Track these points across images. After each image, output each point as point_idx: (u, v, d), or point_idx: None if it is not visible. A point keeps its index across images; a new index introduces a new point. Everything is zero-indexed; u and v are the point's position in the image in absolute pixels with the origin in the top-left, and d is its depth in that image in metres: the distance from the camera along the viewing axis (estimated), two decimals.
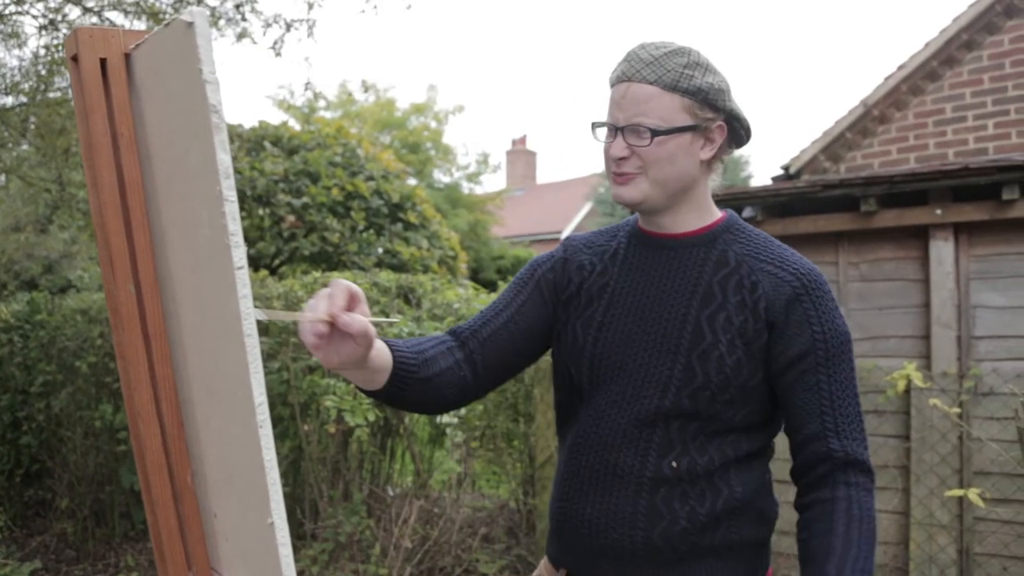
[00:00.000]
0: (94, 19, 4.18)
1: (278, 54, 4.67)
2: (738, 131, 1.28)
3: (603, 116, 1.27)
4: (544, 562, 1.39)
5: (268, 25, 4.54)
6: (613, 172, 1.24)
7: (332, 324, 0.98)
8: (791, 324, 1.22)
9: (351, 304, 1.00)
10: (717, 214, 1.32)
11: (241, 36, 4.50)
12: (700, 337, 1.22)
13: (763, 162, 48.69)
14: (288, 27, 4.59)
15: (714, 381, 1.20)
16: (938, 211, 3.18)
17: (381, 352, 1.13)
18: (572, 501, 1.28)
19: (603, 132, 1.26)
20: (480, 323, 1.31)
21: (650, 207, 1.25)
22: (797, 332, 1.21)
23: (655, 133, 1.19)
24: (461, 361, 1.27)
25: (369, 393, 1.18)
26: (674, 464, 1.22)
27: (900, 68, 5.75)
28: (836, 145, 6.09)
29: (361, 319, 0.99)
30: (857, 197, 3.31)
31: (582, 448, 1.28)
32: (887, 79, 5.82)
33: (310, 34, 4.71)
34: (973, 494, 2.46)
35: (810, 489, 1.26)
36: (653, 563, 1.23)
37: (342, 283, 0.99)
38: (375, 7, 5.98)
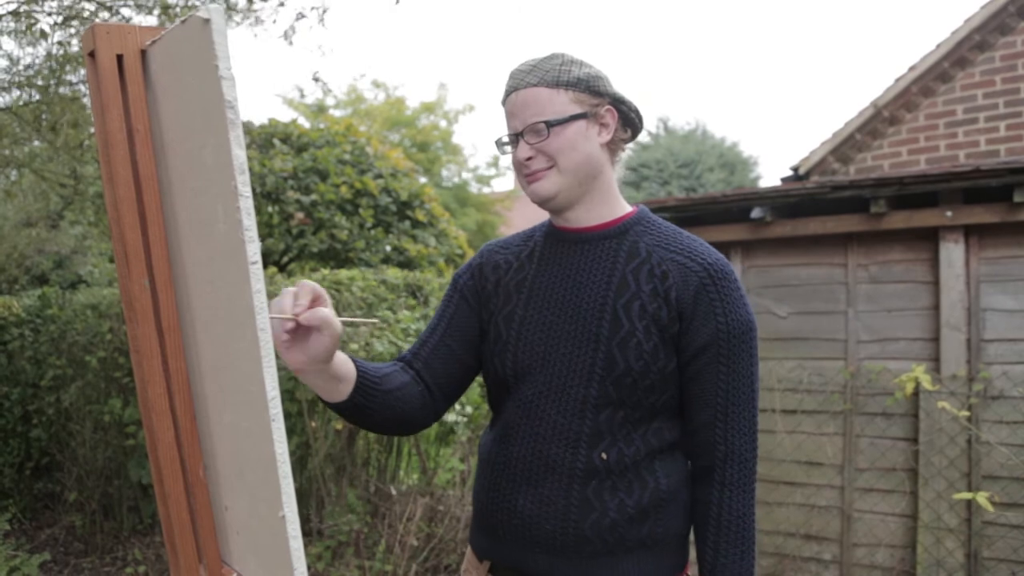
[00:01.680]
0: (105, 14, 4.20)
1: (290, 42, 4.68)
2: (627, 114, 1.35)
3: (504, 135, 1.34)
4: (469, 554, 1.41)
5: (280, 4, 4.54)
6: (524, 175, 1.30)
7: (297, 323, 1.03)
8: (698, 314, 1.26)
9: (314, 303, 1.05)
10: (627, 208, 1.38)
11: (255, 22, 4.51)
12: (618, 326, 1.26)
13: (772, 163, 48.53)
14: (300, 16, 4.59)
15: (635, 368, 1.24)
16: (948, 213, 3.16)
17: (344, 362, 1.18)
18: (502, 492, 1.31)
19: (508, 148, 1.33)
20: (419, 345, 1.38)
21: (565, 199, 1.31)
22: (703, 323, 1.26)
23: (550, 125, 1.26)
24: (415, 379, 1.33)
25: (334, 406, 1.22)
26: (604, 455, 1.26)
27: (911, 69, 5.73)
28: (846, 146, 6.06)
29: (323, 311, 1.04)
30: (867, 199, 3.30)
31: (511, 439, 1.31)
32: (898, 80, 5.79)
33: (321, 21, 4.71)
34: (982, 498, 2.45)
35: (696, 482, 1.33)
36: (582, 555, 1.26)
37: (307, 284, 1.05)
38: (397, 1, 5.96)
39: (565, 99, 1.27)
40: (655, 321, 1.25)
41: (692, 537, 1.34)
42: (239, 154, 0.82)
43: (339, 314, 3.97)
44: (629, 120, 1.36)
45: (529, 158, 1.28)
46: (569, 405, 1.27)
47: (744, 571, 1.26)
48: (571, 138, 1.27)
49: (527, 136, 1.28)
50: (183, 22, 0.87)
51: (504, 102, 1.32)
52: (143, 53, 0.96)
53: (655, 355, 1.25)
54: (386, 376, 1.26)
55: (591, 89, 1.28)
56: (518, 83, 1.29)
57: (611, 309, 1.27)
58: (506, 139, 1.32)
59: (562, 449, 1.26)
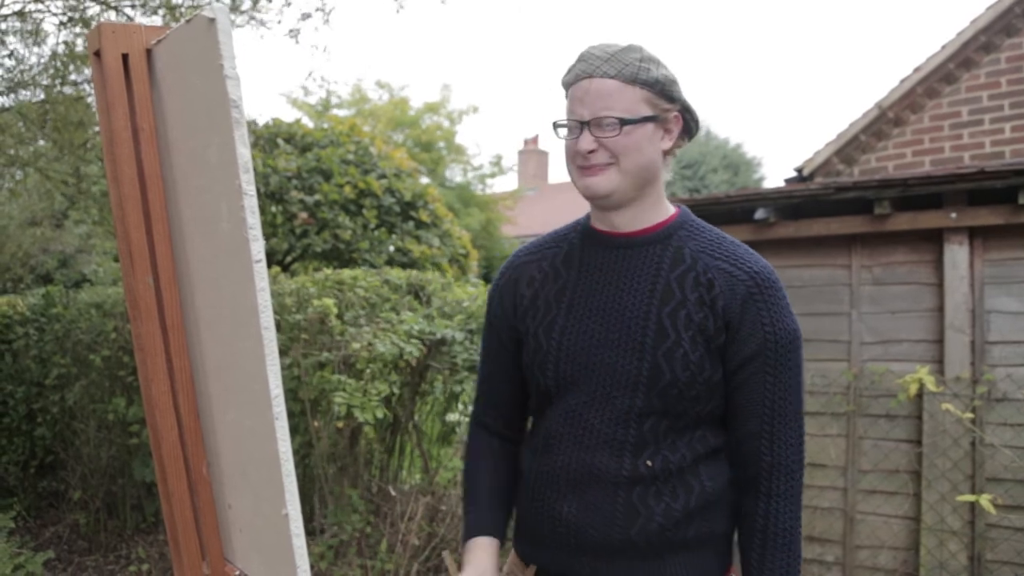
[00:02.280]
0: (111, 14, 4.21)
1: (296, 41, 4.69)
2: (689, 123, 1.32)
3: (562, 117, 1.29)
4: (513, 558, 1.42)
5: (287, 3, 4.55)
6: (580, 166, 1.26)
7: None
8: (745, 324, 1.24)
9: None
10: (671, 210, 1.35)
11: (258, 24, 4.52)
12: (664, 335, 1.24)
13: (776, 164, 48.47)
14: (305, 16, 4.60)
15: (681, 379, 1.23)
16: (953, 215, 3.16)
17: (495, 552, 1.34)
18: (546, 501, 1.30)
19: (564, 133, 1.27)
20: (485, 401, 1.45)
21: (618, 199, 1.27)
22: (750, 332, 1.24)
23: (623, 123, 1.21)
24: (502, 439, 1.43)
25: None
26: (648, 463, 1.24)
27: (916, 70, 5.72)
28: (850, 148, 6.05)
29: None
30: (871, 200, 3.29)
31: (554, 448, 1.30)
32: (902, 81, 5.78)
33: (327, 21, 4.72)
34: (985, 500, 2.45)
35: (742, 492, 1.31)
36: (629, 558, 1.25)
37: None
38: (401, 6, 5.99)
39: (639, 98, 1.22)
40: (701, 331, 1.23)
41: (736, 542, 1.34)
42: (243, 153, 0.82)
43: (342, 313, 3.98)
44: (689, 128, 1.34)
45: (592, 151, 1.23)
46: (613, 414, 1.25)
47: None
48: (639, 140, 1.23)
49: (593, 128, 1.22)
50: (188, 22, 0.87)
51: (570, 84, 1.27)
52: (148, 52, 0.96)
53: (701, 365, 1.23)
54: (505, 498, 1.39)
55: (665, 93, 1.25)
56: (593, 70, 1.23)
57: (656, 318, 1.25)
58: (564, 123, 1.26)
59: (607, 457, 1.25)
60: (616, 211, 1.29)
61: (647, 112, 1.23)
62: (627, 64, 1.22)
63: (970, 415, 2.90)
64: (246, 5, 4.61)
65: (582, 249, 1.34)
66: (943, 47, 5.59)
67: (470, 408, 4.17)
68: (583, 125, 1.23)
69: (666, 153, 1.29)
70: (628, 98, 1.22)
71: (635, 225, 1.30)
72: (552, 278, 1.34)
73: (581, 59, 1.25)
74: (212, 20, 0.82)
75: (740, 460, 1.29)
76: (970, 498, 2.54)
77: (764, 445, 1.25)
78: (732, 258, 1.28)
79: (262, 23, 4.58)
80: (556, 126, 1.28)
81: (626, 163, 1.23)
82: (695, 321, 1.23)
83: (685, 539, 1.26)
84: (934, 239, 3.26)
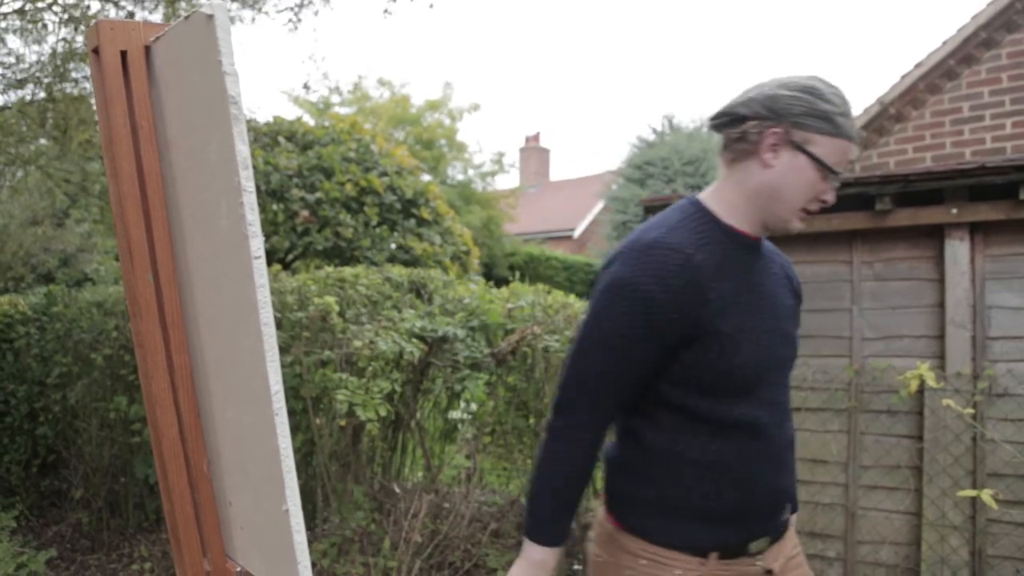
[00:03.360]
0: (112, 9, 4.21)
1: (295, 27, 4.69)
2: None
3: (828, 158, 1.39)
4: (675, 555, 1.40)
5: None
6: (809, 211, 1.39)
7: None
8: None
9: None
10: None
11: (257, 9, 4.51)
12: (797, 324, 1.54)
13: None
14: (303, 4, 4.60)
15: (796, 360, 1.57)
16: (954, 210, 3.15)
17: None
18: (764, 478, 1.44)
19: (832, 180, 1.38)
20: (605, 405, 1.38)
21: None
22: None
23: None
24: (596, 442, 1.42)
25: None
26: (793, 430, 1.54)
27: (917, 66, 5.71)
28: None
29: None
30: (872, 196, 3.29)
31: (763, 432, 1.42)
32: (904, 77, 5.77)
33: (327, 2, 4.70)
34: (986, 495, 2.45)
35: None
36: (790, 502, 1.54)
37: None
38: (389, 12, 6.00)
39: None
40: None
41: None
42: (242, 150, 0.82)
43: (344, 311, 3.98)
44: None
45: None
46: (786, 392, 1.50)
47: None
48: None
49: (836, 182, 1.38)
50: (187, 18, 0.87)
51: (852, 139, 1.36)
52: (147, 49, 0.96)
53: None
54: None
55: None
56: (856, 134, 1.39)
57: (794, 310, 1.53)
58: (838, 174, 1.37)
59: (791, 428, 1.52)
60: None
61: None
62: None
63: (971, 411, 2.90)
64: None
65: (735, 251, 1.40)
66: (944, 43, 5.58)
67: (473, 406, 4.18)
68: (836, 176, 1.37)
69: None
70: None
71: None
72: (728, 277, 1.36)
73: (855, 124, 1.38)
74: (210, 16, 0.82)
75: None
76: (971, 493, 2.54)
77: None
78: (776, 252, 1.55)
79: (260, 9, 4.57)
80: (833, 173, 1.36)
81: None
82: (795, 308, 1.53)
83: None
84: (935, 235, 3.26)
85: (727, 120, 1.40)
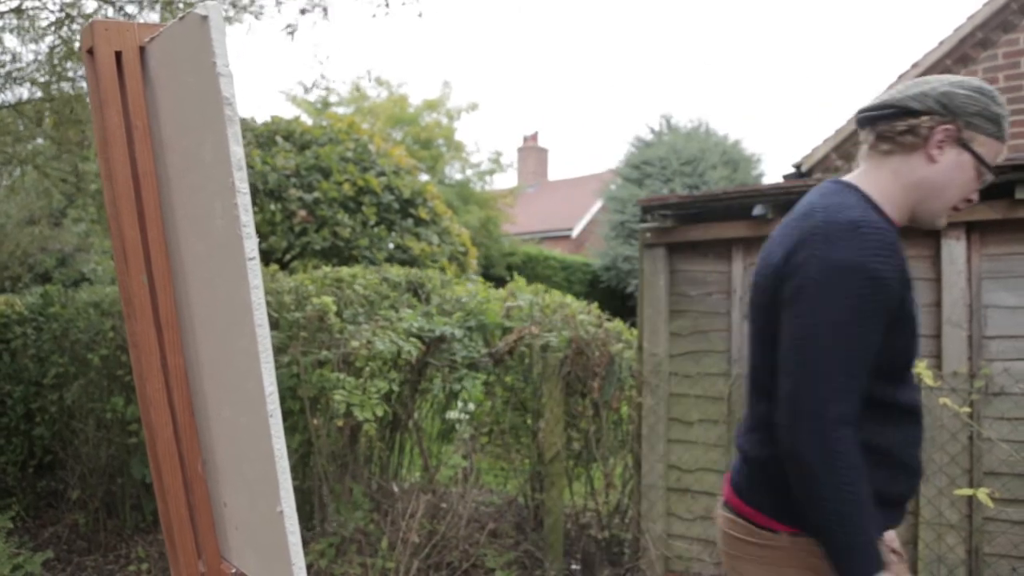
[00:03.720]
0: (108, 9, 4.21)
1: (292, 36, 4.69)
2: None
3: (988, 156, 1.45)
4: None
5: (280, 2, 4.55)
6: (958, 208, 1.45)
7: None
8: None
9: None
10: None
11: (255, 14, 4.51)
12: None
13: (775, 160, 48.52)
14: (303, 11, 4.61)
15: None
16: None
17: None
18: (916, 460, 1.44)
19: (986, 172, 1.45)
20: (855, 395, 1.29)
21: None
22: None
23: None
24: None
25: None
26: None
27: (914, 66, 5.72)
28: (848, 143, 6.05)
29: None
30: None
31: (919, 419, 1.45)
32: (900, 77, 5.78)
33: (325, 15, 4.73)
34: (983, 494, 2.45)
35: None
36: None
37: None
38: (386, 12, 6.00)
39: None
40: None
41: None
42: (237, 150, 0.82)
43: (341, 311, 3.98)
44: None
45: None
46: None
47: None
48: None
49: (985, 182, 1.43)
50: (181, 19, 0.87)
51: (1005, 140, 1.44)
52: (142, 50, 0.96)
53: None
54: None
55: None
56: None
57: None
58: (993, 174, 1.43)
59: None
60: None
61: None
62: None
63: (968, 409, 2.90)
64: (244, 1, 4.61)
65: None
66: (941, 43, 5.60)
67: (470, 406, 4.18)
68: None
69: None
70: None
71: None
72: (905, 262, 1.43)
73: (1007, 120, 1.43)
74: (205, 18, 0.82)
75: None
76: (968, 492, 2.55)
77: None
78: None
79: (258, 15, 4.57)
80: (989, 171, 1.43)
81: None
82: None
83: None
84: (931, 234, 3.26)
85: (892, 113, 1.42)
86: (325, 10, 4.76)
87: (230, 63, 0.84)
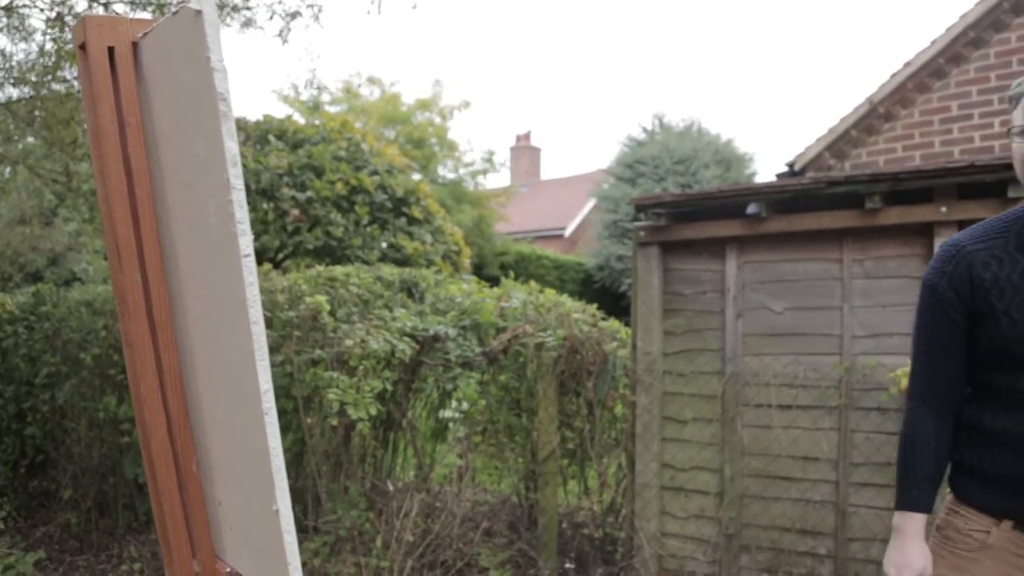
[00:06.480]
0: (99, 8, 4.18)
1: (285, 41, 4.67)
2: None
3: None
4: (975, 515, 1.66)
5: (273, 14, 4.53)
6: None
7: None
8: None
9: None
10: None
11: (246, 24, 4.50)
12: None
13: (768, 159, 48.61)
14: (293, 15, 4.59)
15: None
16: (943, 209, 3.17)
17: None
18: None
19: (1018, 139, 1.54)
20: (929, 376, 1.66)
21: None
22: None
23: None
24: (942, 421, 1.66)
25: None
26: None
27: (906, 65, 5.74)
28: (841, 142, 6.07)
29: None
30: (862, 194, 3.30)
31: None
32: (893, 76, 5.80)
33: (316, 19, 4.71)
34: None
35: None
36: None
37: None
38: (379, 10, 5.99)
39: None
40: None
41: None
42: (231, 147, 0.82)
43: (335, 310, 3.97)
44: None
45: None
46: None
47: None
48: None
49: None
50: (174, 14, 0.86)
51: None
52: (135, 45, 0.95)
53: None
54: (939, 477, 1.71)
55: None
56: None
57: None
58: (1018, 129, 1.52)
59: None
60: None
61: None
62: None
63: None
64: (239, 2, 4.59)
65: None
66: (933, 42, 5.61)
67: (464, 405, 4.17)
68: None
69: None
70: None
71: None
72: (1010, 263, 1.53)
73: None
74: (198, 12, 0.81)
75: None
76: None
77: None
78: None
79: (251, 22, 4.56)
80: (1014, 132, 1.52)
81: None
82: None
83: None
84: (925, 233, 3.27)
85: None
86: (317, 16, 4.74)
87: (224, 58, 0.83)
